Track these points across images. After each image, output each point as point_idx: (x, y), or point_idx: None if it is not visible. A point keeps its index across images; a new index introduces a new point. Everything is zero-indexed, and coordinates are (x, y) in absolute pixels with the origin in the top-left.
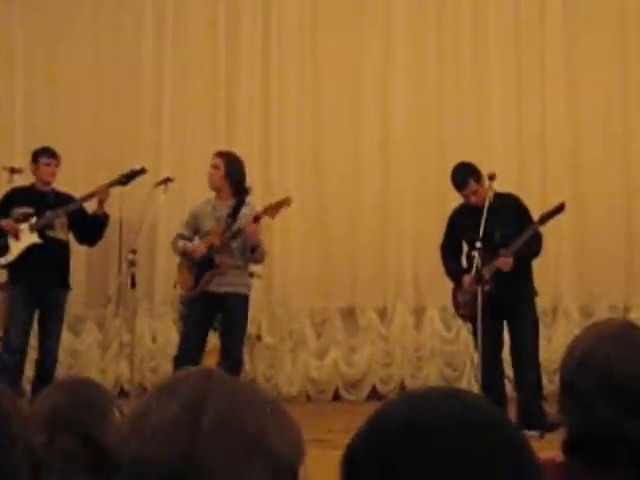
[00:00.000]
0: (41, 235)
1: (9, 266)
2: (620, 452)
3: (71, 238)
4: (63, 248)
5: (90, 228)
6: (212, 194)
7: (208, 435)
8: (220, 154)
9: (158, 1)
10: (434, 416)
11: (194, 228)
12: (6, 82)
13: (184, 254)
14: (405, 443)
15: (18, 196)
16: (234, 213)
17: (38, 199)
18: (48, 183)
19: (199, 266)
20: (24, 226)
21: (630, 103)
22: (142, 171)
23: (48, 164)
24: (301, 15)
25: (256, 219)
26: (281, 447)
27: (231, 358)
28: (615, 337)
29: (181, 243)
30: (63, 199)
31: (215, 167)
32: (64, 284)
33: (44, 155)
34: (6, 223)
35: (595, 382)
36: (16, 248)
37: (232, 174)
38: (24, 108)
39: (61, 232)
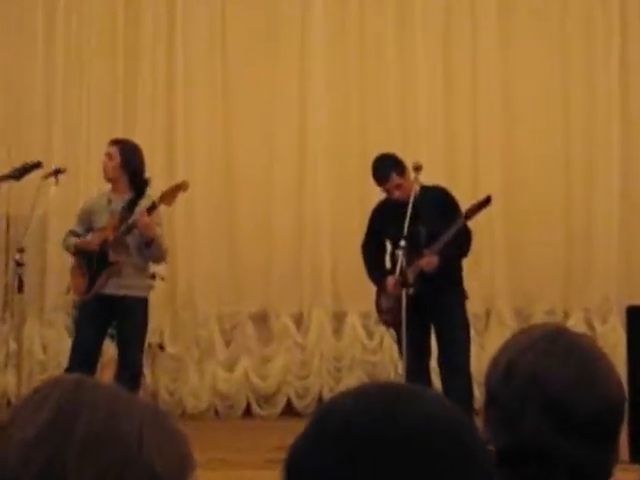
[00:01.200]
0: None
1: None
2: (555, 471)
3: None
4: None
5: None
6: (108, 187)
7: (79, 442)
8: (115, 142)
9: None
10: (376, 417)
11: (87, 224)
12: None
13: (76, 251)
14: (344, 446)
15: None
16: (130, 206)
17: None
18: None
19: (93, 267)
20: None
21: (569, 91)
22: (37, 165)
23: None
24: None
25: (150, 209)
26: (159, 461)
27: (129, 369)
28: (545, 344)
29: (72, 240)
30: None
31: (109, 156)
32: None
33: None
34: None
35: (522, 394)
36: None
37: (128, 164)
38: None
39: None
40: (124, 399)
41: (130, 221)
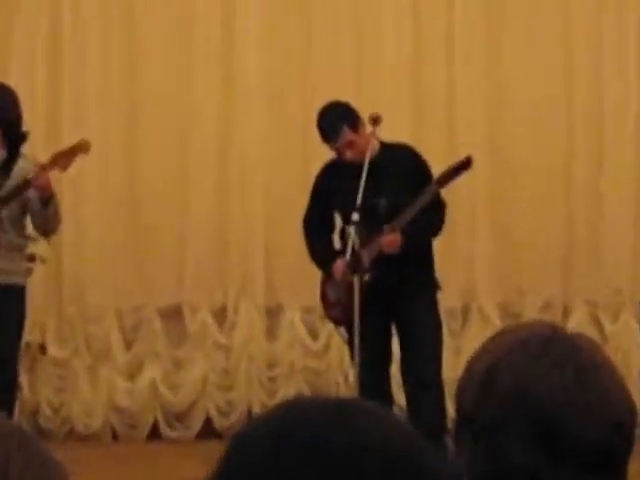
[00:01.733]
0: None
1: None
2: None
3: None
4: None
5: None
6: None
7: None
8: None
9: None
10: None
11: None
12: None
13: None
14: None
15: None
16: (4, 169)
17: None
18: None
19: None
20: None
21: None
22: None
23: None
24: None
25: (44, 167)
26: None
27: (2, 374)
28: (534, 347)
29: None
30: None
31: None
32: None
33: None
34: None
35: (504, 410)
36: None
37: (3, 114)
38: None
39: None
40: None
41: (8, 188)
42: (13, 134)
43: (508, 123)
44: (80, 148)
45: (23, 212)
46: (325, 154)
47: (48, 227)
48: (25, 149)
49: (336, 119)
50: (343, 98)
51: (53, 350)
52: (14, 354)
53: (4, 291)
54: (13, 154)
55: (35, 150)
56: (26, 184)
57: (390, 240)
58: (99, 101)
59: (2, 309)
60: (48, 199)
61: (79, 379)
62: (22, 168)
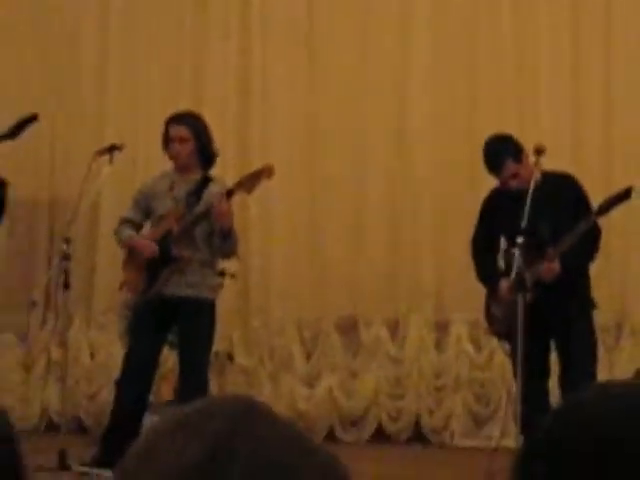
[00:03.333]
0: None
1: None
2: None
3: None
4: None
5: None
6: (170, 165)
7: None
8: (182, 120)
9: None
10: None
11: (145, 210)
12: None
13: (130, 248)
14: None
15: None
16: (197, 191)
17: None
18: None
19: (152, 262)
20: None
21: None
22: (33, 118)
23: None
24: None
25: (229, 194)
26: None
27: (193, 382)
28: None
29: (127, 232)
30: None
31: (180, 140)
32: None
33: None
34: None
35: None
36: None
37: (204, 147)
38: None
39: None
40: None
41: (198, 210)
42: (207, 158)
43: None
44: (264, 172)
45: (213, 232)
46: (491, 181)
47: (226, 254)
48: (215, 172)
49: (500, 152)
50: (506, 130)
51: (240, 359)
52: (204, 361)
53: (196, 304)
54: (206, 178)
55: (226, 173)
56: (207, 212)
57: (549, 269)
58: (286, 130)
59: (194, 321)
60: (227, 230)
61: (263, 385)
62: (211, 193)
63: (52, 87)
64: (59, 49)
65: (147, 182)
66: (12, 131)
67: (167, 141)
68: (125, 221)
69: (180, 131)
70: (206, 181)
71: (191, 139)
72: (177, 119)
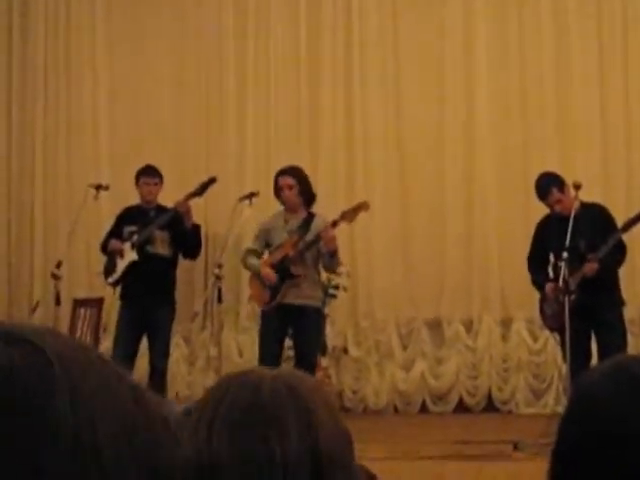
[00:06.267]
0: (142, 252)
1: (119, 284)
2: None
3: None
4: (165, 264)
5: (188, 240)
6: (281, 207)
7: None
8: (288, 172)
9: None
10: None
11: (265, 242)
12: (92, 90)
13: (256, 274)
14: None
15: (127, 215)
16: (306, 225)
17: (141, 217)
18: (148, 202)
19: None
20: (127, 245)
21: None
22: (213, 180)
23: (147, 183)
24: (381, 26)
25: (334, 224)
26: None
27: (305, 369)
28: None
29: (253, 261)
30: (163, 215)
31: (289, 187)
32: (167, 302)
33: (143, 174)
34: (112, 243)
35: None
36: (120, 266)
37: (305, 190)
38: (108, 120)
39: (161, 247)
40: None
41: (309, 239)
42: (310, 200)
43: None
44: (362, 207)
45: (318, 255)
46: (540, 211)
47: (333, 269)
48: (317, 210)
49: (547, 183)
50: (550, 169)
51: (352, 351)
52: (315, 352)
53: (309, 310)
54: (311, 215)
55: (336, 200)
56: (318, 238)
57: (591, 267)
58: (382, 170)
59: (304, 323)
60: (333, 251)
61: (370, 371)
62: (317, 224)
63: (205, 145)
64: (207, 111)
65: (265, 220)
66: (198, 191)
67: (277, 189)
68: (250, 251)
69: (287, 180)
70: (311, 216)
71: (296, 186)
72: (284, 172)
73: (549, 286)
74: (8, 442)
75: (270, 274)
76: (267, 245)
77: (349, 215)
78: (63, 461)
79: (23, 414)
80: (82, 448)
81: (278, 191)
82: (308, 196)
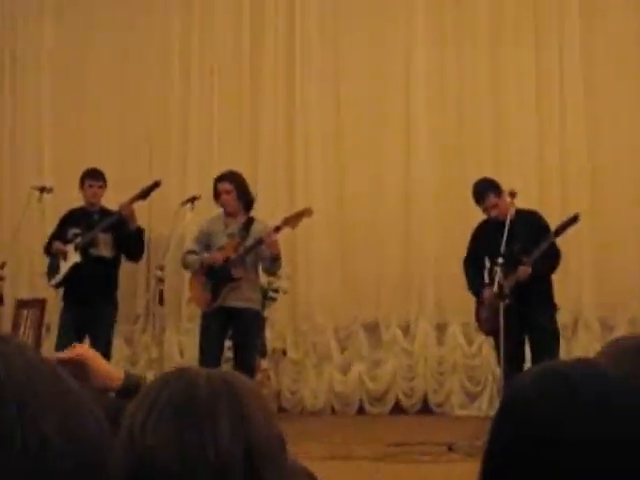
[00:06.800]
0: (85, 254)
1: (62, 285)
2: None
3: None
4: (107, 265)
5: (131, 243)
6: (219, 210)
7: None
8: (226, 178)
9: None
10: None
11: (204, 244)
12: (34, 97)
13: (201, 266)
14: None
15: (71, 217)
16: (246, 228)
17: (85, 219)
18: (93, 204)
19: (216, 282)
20: (70, 247)
21: None
22: (157, 184)
23: (91, 186)
24: (323, 36)
25: (277, 229)
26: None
27: (245, 372)
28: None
29: (194, 257)
30: (107, 217)
31: (227, 192)
32: (109, 303)
33: (88, 177)
34: (55, 245)
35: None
36: (63, 268)
37: (244, 194)
38: (52, 123)
39: (104, 250)
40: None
41: (249, 243)
42: (248, 203)
43: (604, 192)
44: (305, 213)
45: (257, 259)
46: (477, 217)
47: (273, 271)
48: (257, 214)
49: (484, 188)
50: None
51: (291, 353)
52: (254, 355)
53: (246, 312)
54: (250, 220)
55: (278, 207)
56: (260, 241)
57: (524, 270)
58: (321, 180)
59: (244, 325)
60: (276, 255)
61: (309, 373)
62: (257, 229)
63: (148, 151)
64: (152, 119)
65: (204, 224)
66: (142, 194)
67: (216, 194)
68: (190, 252)
69: (225, 186)
70: (251, 220)
71: (234, 191)
72: (222, 177)
73: (488, 291)
74: None
75: (217, 256)
76: (207, 247)
77: (292, 221)
78: (16, 459)
79: None
80: (30, 445)
81: (217, 196)
82: (246, 200)
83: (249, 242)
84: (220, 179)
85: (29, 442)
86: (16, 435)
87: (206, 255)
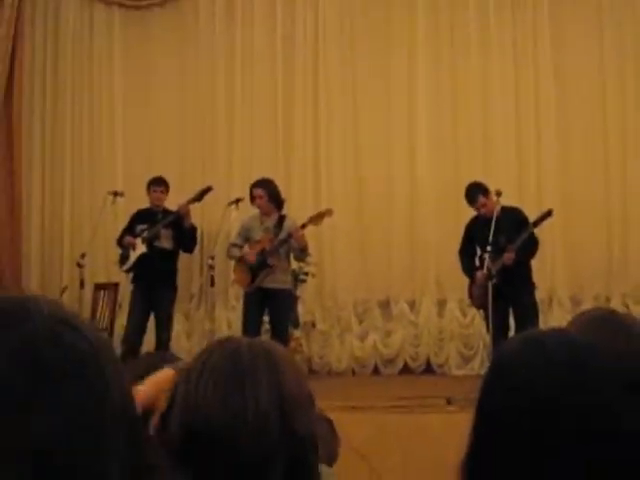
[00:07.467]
0: (150, 246)
1: (132, 271)
2: None
3: None
4: (168, 255)
5: (187, 237)
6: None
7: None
8: (259, 185)
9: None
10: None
11: (245, 237)
12: (108, 115)
13: (240, 259)
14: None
15: (139, 216)
16: (279, 225)
17: (150, 217)
18: (157, 205)
19: (254, 267)
20: (138, 240)
21: (607, 116)
22: (209, 189)
23: (155, 191)
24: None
25: (302, 226)
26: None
27: (280, 340)
28: (605, 320)
29: (236, 250)
30: (168, 216)
31: (260, 197)
32: (170, 286)
33: (153, 184)
34: (126, 239)
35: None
36: (132, 257)
37: (274, 198)
38: (123, 138)
39: (166, 242)
40: None
41: (282, 236)
42: (280, 204)
43: (573, 188)
44: (327, 213)
45: (289, 249)
46: (470, 213)
47: (302, 259)
48: (286, 214)
49: (474, 191)
50: (479, 179)
51: (319, 325)
52: (287, 327)
53: (280, 292)
54: (282, 217)
55: (303, 208)
56: (290, 235)
57: (509, 256)
58: (342, 183)
59: (278, 303)
60: (304, 247)
61: (334, 341)
62: (288, 226)
63: (202, 159)
64: (205, 131)
65: (245, 220)
66: (197, 197)
67: (252, 198)
68: (233, 245)
69: (258, 192)
70: (282, 218)
71: (265, 196)
72: (255, 184)
73: (479, 273)
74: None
75: (250, 254)
76: (246, 240)
77: (315, 219)
78: (113, 412)
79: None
80: (120, 403)
81: (252, 199)
82: (277, 202)
83: (282, 236)
84: (254, 186)
85: (120, 399)
86: (116, 393)
87: (245, 250)
